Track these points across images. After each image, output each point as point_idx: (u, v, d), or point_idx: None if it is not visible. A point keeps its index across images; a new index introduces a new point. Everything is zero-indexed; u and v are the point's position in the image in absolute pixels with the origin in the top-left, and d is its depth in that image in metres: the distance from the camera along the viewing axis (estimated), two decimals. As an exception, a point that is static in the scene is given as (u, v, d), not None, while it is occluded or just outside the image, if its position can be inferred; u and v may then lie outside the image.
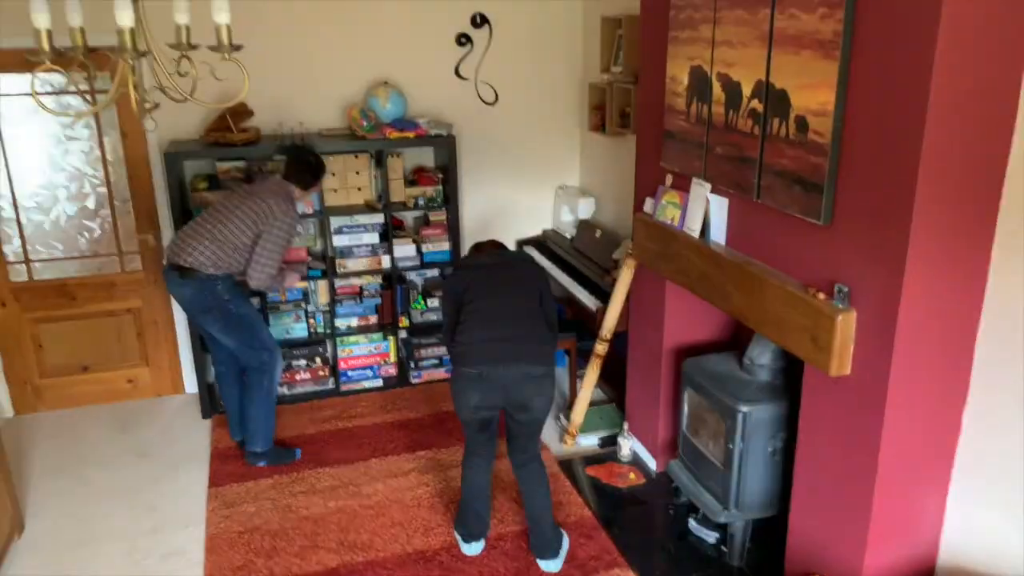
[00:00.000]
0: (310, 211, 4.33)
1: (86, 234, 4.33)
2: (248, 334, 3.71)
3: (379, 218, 4.47)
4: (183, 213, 4.10)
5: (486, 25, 4.60)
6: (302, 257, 4.42)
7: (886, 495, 2.40)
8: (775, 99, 2.53)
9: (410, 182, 4.54)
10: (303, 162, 3.74)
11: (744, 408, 2.90)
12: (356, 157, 4.39)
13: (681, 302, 3.46)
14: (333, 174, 4.37)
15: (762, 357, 3.05)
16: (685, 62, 3.04)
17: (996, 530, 2.34)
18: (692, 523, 3.30)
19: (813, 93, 2.35)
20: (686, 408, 3.31)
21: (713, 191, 2.99)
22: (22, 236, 4.23)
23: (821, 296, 2.43)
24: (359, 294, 4.59)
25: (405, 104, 4.42)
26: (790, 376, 3.00)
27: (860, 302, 2.32)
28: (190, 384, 4.61)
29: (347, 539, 3.35)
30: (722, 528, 3.18)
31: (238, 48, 1.90)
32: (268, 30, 4.15)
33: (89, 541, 3.39)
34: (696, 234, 3.08)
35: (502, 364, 2.90)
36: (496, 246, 3.35)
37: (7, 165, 4.11)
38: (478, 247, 3.38)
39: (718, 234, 3.01)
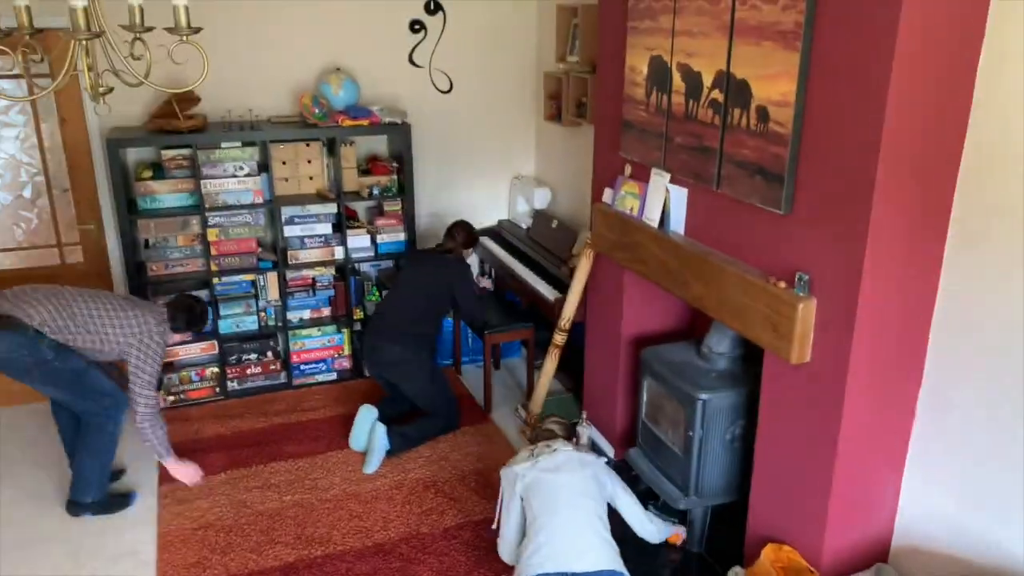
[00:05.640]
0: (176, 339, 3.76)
1: (22, 224, 4.15)
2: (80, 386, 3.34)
3: (332, 208, 4.39)
4: (128, 202, 3.96)
5: (440, 12, 4.54)
6: (253, 248, 4.30)
7: (845, 479, 2.46)
8: (736, 89, 2.55)
9: (364, 171, 4.47)
10: (185, 308, 3.56)
11: (703, 396, 2.93)
12: (307, 145, 4.30)
13: (639, 291, 3.48)
14: (284, 163, 4.27)
15: (720, 345, 3.09)
16: (644, 52, 3.04)
17: (947, 510, 2.42)
18: (651, 510, 3.33)
19: (774, 83, 2.38)
20: (645, 397, 3.33)
21: (672, 181, 3.01)
22: (-47, 226, 4.03)
23: (782, 284, 2.47)
24: (311, 286, 4.51)
25: (358, 91, 4.34)
26: (748, 363, 3.04)
27: (820, 290, 2.37)
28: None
29: (304, 533, 3.29)
30: (682, 515, 3.21)
31: (197, 31, 1.82)
32: (216, 13, 4.02)
33: (30, 544, 3.26)
34: (655, 224, 3.10)
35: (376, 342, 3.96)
36: (447, 234, 4.19)
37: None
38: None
39: (677, 224, 3.03)
